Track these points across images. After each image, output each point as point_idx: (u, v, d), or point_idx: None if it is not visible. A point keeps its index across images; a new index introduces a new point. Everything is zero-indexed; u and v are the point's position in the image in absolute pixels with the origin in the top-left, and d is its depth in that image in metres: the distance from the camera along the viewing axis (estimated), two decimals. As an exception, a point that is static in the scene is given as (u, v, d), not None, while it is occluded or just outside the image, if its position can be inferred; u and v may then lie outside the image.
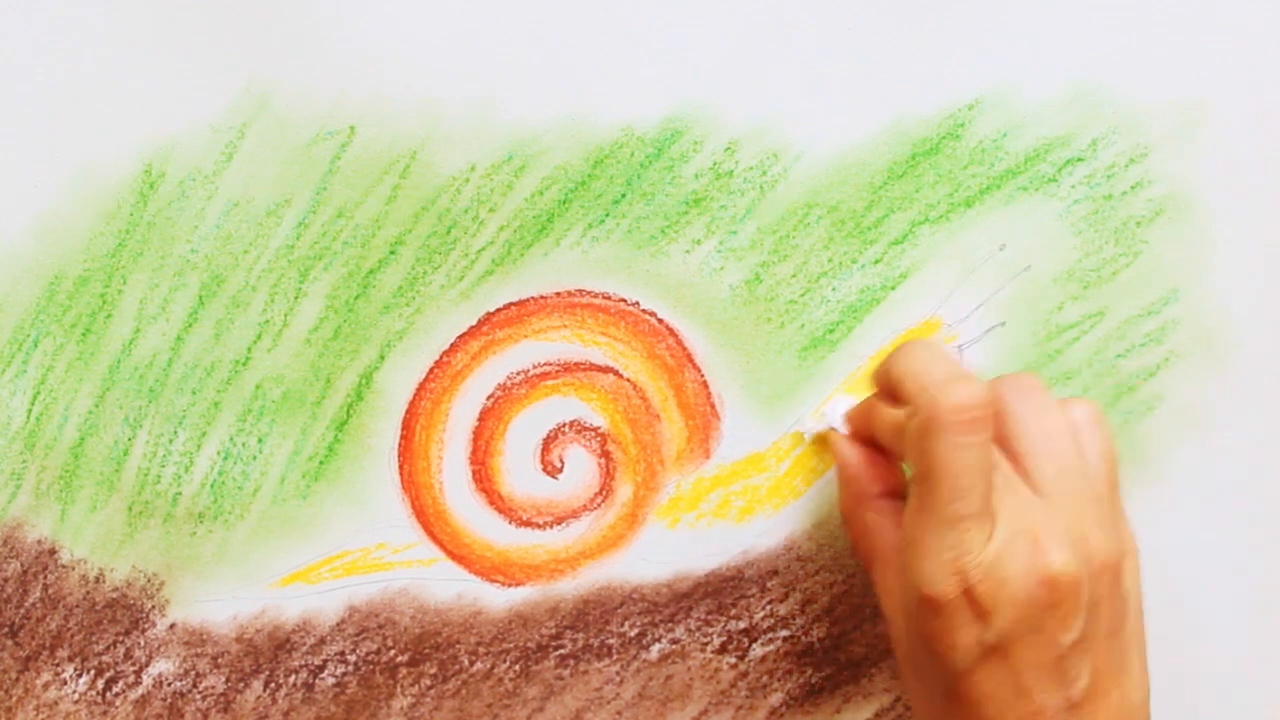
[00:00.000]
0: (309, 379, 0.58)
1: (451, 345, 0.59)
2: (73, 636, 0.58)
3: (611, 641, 0.61)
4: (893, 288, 0.60)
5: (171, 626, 0.59)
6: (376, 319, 0.58)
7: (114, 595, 0.58)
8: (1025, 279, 0.61)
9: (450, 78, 0.57)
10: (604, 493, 0.60)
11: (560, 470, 0.60)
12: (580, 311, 0.59)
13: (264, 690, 0.59)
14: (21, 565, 0.58)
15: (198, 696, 0.59)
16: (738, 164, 0.59)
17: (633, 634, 0.61)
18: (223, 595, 0.59)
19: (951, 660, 0.51)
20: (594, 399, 0.59)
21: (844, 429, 0.57)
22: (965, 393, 0.51)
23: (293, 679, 0.59)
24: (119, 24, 0.56)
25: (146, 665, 0.59)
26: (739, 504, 0.60)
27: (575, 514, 0.60)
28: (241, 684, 0.59)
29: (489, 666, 0.60)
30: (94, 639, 0.58)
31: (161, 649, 0.59)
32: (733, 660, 0.61)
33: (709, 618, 0.61)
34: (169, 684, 0.59)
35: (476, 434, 0.59)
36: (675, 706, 0.61)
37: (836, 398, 0.59)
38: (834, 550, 0.61)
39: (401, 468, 0.59)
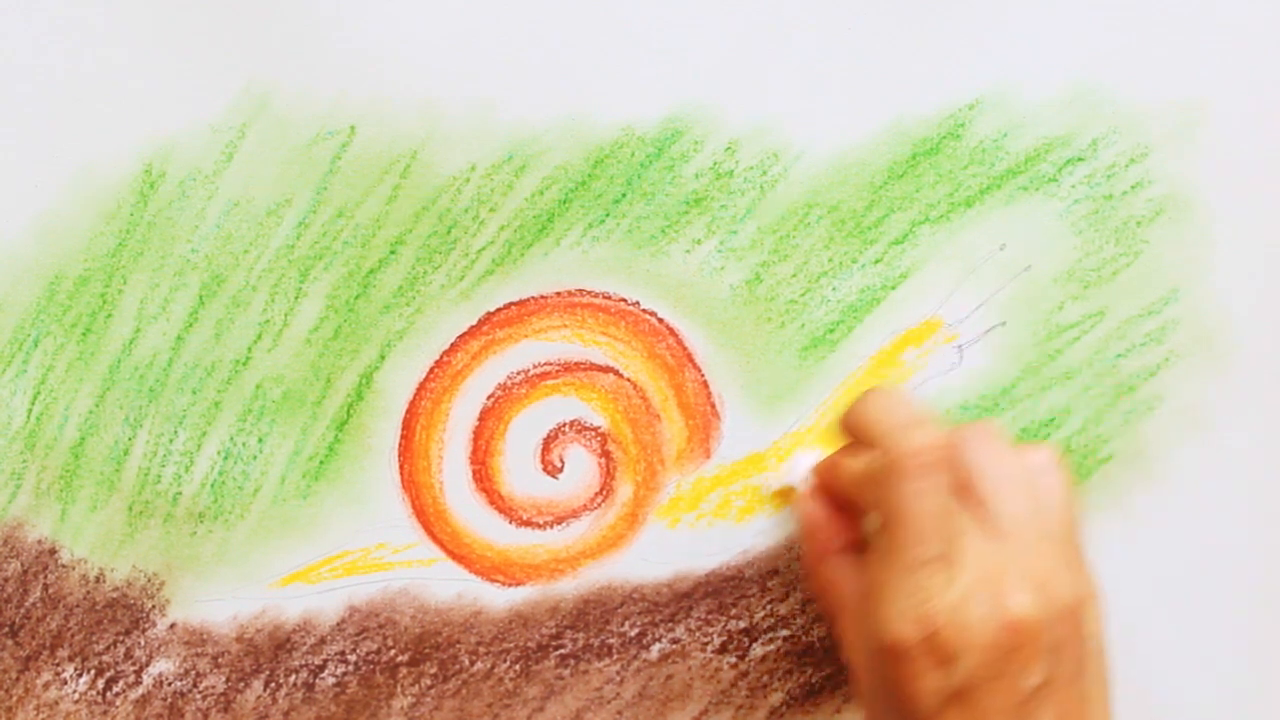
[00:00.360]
0: (309, 379, 0.58)
1: (452, 345, 0.59)
2: (73, 636, 0.58)
3: (612, 641, 0.61)
4: (893, 288, 0.60)
5: (172, 626, 0.59)
6: (377, 319, 0.58)
7: (114, 595, 0.58)
8: (1025, 279, 0.61)
9: (450, 78, 0.57)
10: (604, 492, 0.60)
11: (560, 470, 0.60)
12: (580, 311, 0.59)
13: (264, 690, 0.59)
14: (22, 565, 0.58)
15: (198, 696, 0.59)
16: (738, 164, 0.59)
17: (633, 634, 0.61)
18: (223, 595, 0.58)
19: (915, 707, 0.51)
20: (594, 399, 0.59)
21: (804, 485, 0.58)
22: (924, 437, 0.51)
23: (293, 679, 0.59)
24: (119, 24, 0.56)
25: (147, 665, 0.59)
26: (739, 504, 0.60)
27: (575, 514, 0.60)
28: (242, 684, 0.59)
29: (489, 666, 0.60)
30: (94, 639, 0.58)
31: (162, 649, 0.59)
32: (733, 660, 0.61)
33: (709, 617, 0.61)
34: (169, 684, 0.59)
35: (477, 434, 0.59)
36: (675, 706, 0.61)
37: (798, 454, 0.60)
38: (834, 550, 0.61)
39: (402, 467, 0.59)
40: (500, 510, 0.60)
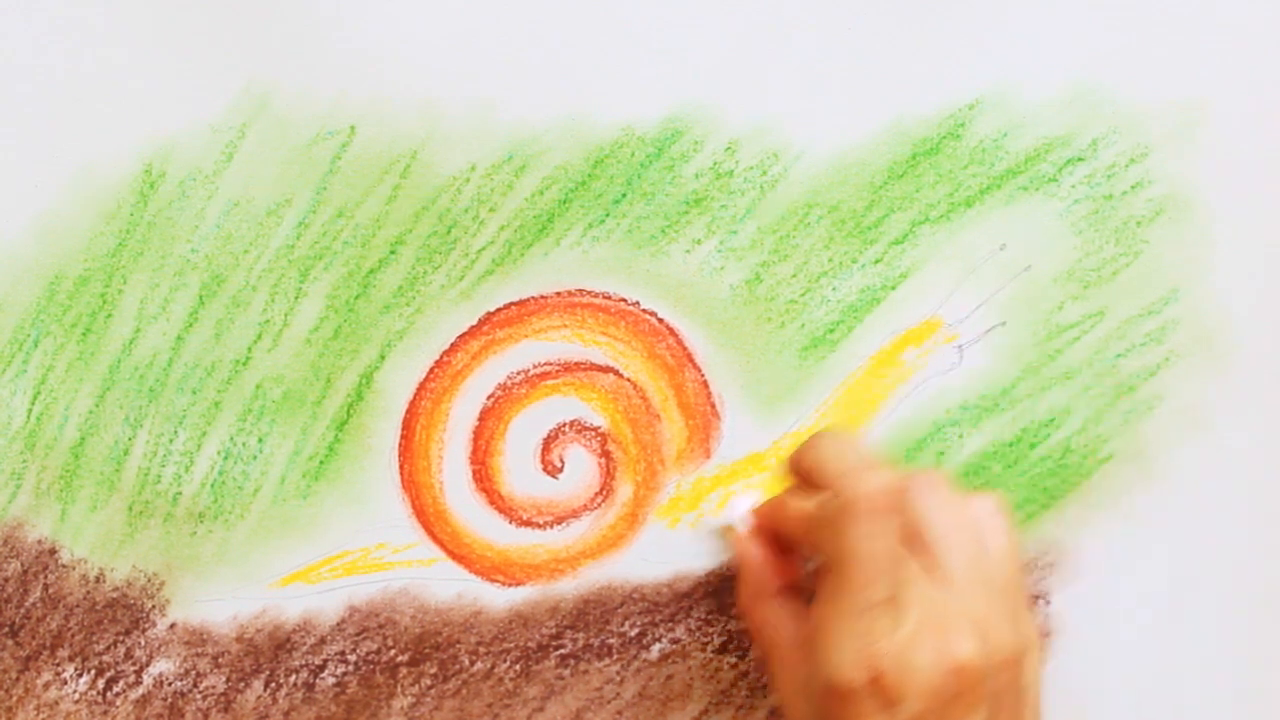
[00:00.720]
0: (309, 379, 0.58)
1: (452, 345, 0.59)
2: (73, 636, 0.58)
3: (612, 641, 0.61)
4: (893, 288, 0.60)
5: (172, 626, 0.59)
6: (377, 319, 0.58)
7: (114, 595, 0.58)
8: (1025, 279, 0.61)
9: (450, 78, 0.57)
10: (604, 492, 0.60)
11: (560, 470, 0.60)
12: (580, 311, 0.59)
13: (264, 690, 0.59)
14: (22, 565, 0.58)
15: (198, 696, 0.59)
16: (738, 164, 0.59)
17: (633, 634, 0.61)
18: (223, 595, 0.59)
19: None
20: (594, 399, 0.59)
21: (744, 526, 0.58)
22: (876, 481, 0.52)
23: (293, 679, 0.59)
24: (119, 24, 0.56)
25: (147, 665, 0.59)
26: (739, 504, 0.60)
27: (575, 514, 0.60)
28: (242, 684, 0.59)
29: (489, 666, 0.60)
30: (94, 639, 0.58)
31: (162, 649, 0.59)
32: (733, 660, 0.61)
33: (709, 617, 0.61)
34: (169, 684, 0.59)
35: (477, 434, 0.59)
36: (675, 706, 0.61)
37: (738, 494, 0.60)
38: (834, 550, 0.61)
39: (402, 468, 0.59)
40: (500, 510, 0.60)
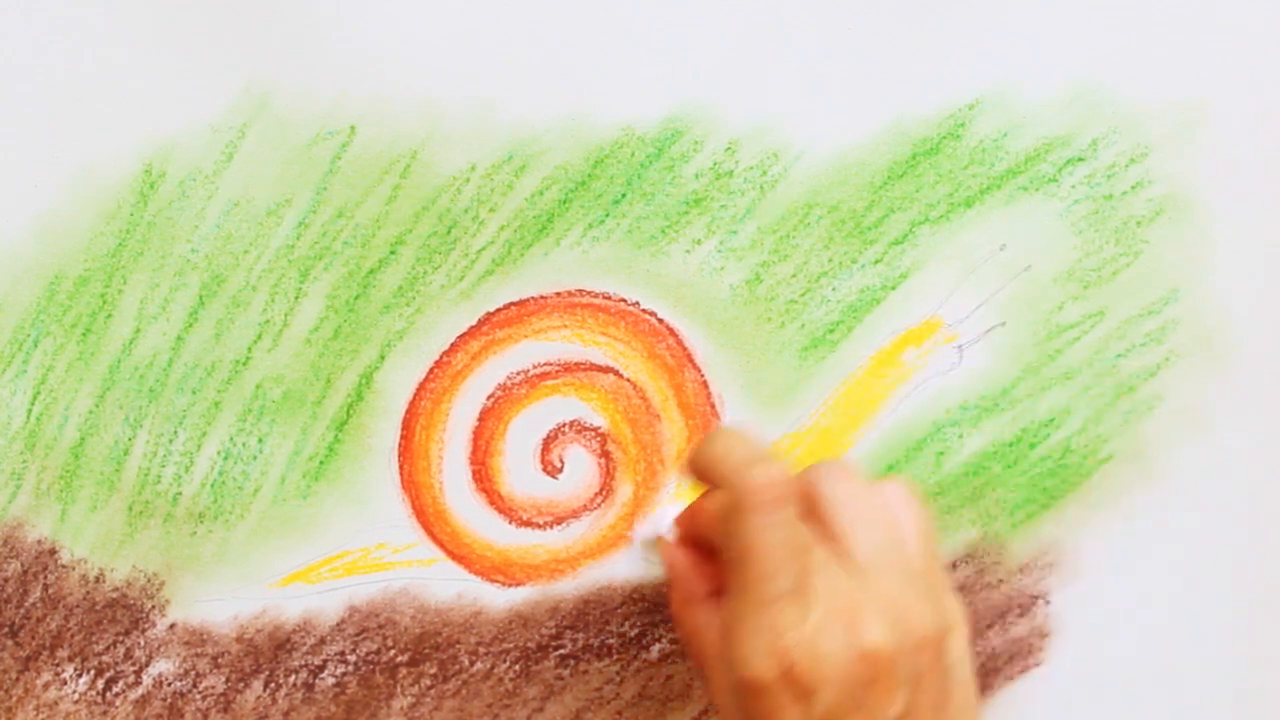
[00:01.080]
0: (309, 379, 0.58)
1: (451, 345, 0.59)
2: (73, 636, 0.58)
3: (611, 641, 0.61)
4: (893, 288, 0.60)
5: (171, 626, 0.59)
6: (376, 319, 0.58)
7: (114, 595, 0.58)
8: (1025, 279, 0.61)
9: (450, 78, 0.57)
10: (604, 493, 0.60)
11: (560, 470, 0.60)
12: (580, 311, 0.59)
13: (264, 690, 0.59)
14: (21, 565, 0.58)
15: (198, 696, 0.59)
16: (738, 164, 0.59)
17: (633, 634, 0.61)
18: (223, 595, 0.59)
19: None
20: (594, 399, 0.59)
21: (671, 535, 0.58)
22: (764, 473, 0.51)
23: (293, 679, 0.59)
24: (119, 24, 0.55)
25: (146, 665, 0.59)
26: (739, 504, 0.60)
27: (575, 514, 0.60)
28: (242, 684, 0.59)
29: (489, 666, 0.60)
30: (94, 639, 0.58)
31: (161, 649, 0.59)
32: (733, 660, 0.61)
33: (709, 618, 0.61)
34: (169, 684, 0.59)
35: (476, 434, 0.59)
36: (675, 706, 0.61)
37: (666, 505, 0.60)
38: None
39: (401, 468, 0.59)
40: (500, 510, 0.60)
